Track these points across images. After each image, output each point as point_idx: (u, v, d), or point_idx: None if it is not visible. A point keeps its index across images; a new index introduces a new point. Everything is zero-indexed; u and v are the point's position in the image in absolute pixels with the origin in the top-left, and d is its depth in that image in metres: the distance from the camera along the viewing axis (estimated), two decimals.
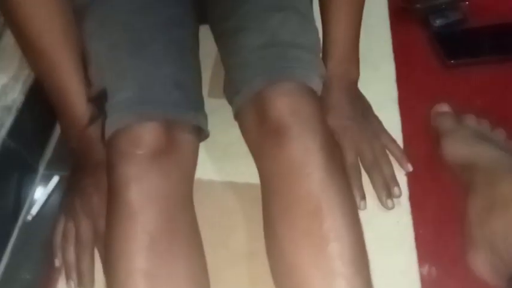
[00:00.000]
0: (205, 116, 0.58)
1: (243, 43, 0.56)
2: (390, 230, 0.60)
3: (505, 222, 0.49)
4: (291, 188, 0.49)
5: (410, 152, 0.66)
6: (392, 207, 0.61)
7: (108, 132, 0.52)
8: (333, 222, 0.47)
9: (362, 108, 0.67)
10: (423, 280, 0.56)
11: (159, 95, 0.53)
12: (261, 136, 0.53)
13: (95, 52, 0.55)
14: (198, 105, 0.57)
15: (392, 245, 0.59)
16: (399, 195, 0.61)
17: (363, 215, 0.59)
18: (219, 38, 0.62)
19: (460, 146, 0.62)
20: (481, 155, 0.59)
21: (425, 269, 0.57)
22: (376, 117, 0.68)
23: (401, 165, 0.64)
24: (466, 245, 0.56)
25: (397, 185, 0.62)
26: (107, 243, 0.49)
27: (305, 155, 0.50)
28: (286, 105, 0.51)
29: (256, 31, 0.55)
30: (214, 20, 0.62)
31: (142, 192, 0.49)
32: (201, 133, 0.57)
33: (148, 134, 0.51)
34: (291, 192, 0.49)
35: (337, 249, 0.46)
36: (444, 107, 0.69)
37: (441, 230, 0.59)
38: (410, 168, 0.64)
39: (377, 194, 0.62)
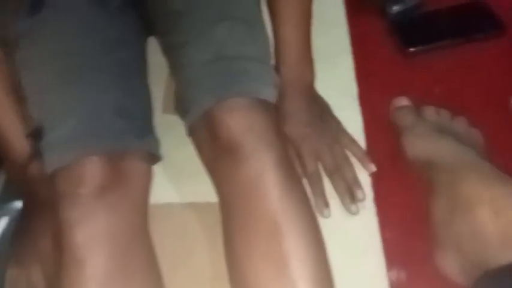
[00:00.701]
0: (155, 140, 0.55)
1: (188, 58, 0.53)
2: (356, 235, 0.59)
3: (469, 224, 0.48)
4: (248, 209, 0.48)
5: (373, 151, 0.64)
6: (357, 212, 0.60)
7: (48, 172, 0.49)
8: (292, 242, 0.46)
9: (320, 111, 0.65)
10: (392, 285, 0.55)
11: (100, 127, 0.50)
12: (215, 156, 0.51)
13: (29, 84, 0.52)
14: (146, 131, 0.55)
15: (359, 250, 0.58)
16: (363, 199, 0.60)
17: (327, 221, 0.59)
18: (165, 52, 0.59)
19: (421, 143, 0.61)
20: (442, 152, 0.58)
21: (394, 273, 0.56)
22: (334, 119, 0.66)
23: (363, 166, 0.63)
24: (433, 247, 0.55)
25: (360, 188, 0.61)
26: None
27: (260, 173, 0.48)
28: (237, 123, 0.49)
29: (201, 45, 0.53)
30: (159, 33, 0.59)
31: (88, 235, 0.46)
32: (152, 158, 0.54)
33: (90, 171, 0.48)
34: (248, 213, 0.48)
35: (298, 270, 0.45)
36: (403, 101, 0.67)
37: (408, 232, 0.58)
38: (373, 168, 0.63)
39: (340, 199, 0.60)
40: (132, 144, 0.51)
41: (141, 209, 0.52)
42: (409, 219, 0.59)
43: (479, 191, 0.48)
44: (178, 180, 0.63)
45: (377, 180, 0.62)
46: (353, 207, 0.60)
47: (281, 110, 0.62)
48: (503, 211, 0.45)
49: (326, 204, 0.60)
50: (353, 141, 0.64)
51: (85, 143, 0.49)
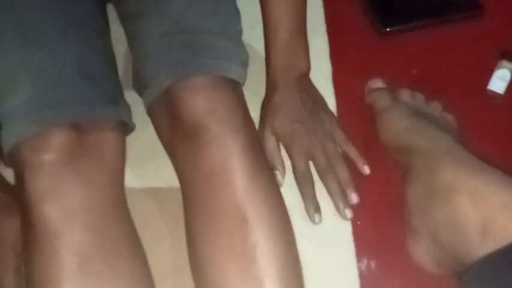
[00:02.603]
0: (126, 107, 0.50)
1: (144, 30, 0.48)
2: (327, 224, 0.56)
3: (448, 212, 0.46)
4: (211, 198, 0.44)
5: (345, 134, 0.61)
6: (351, 218, 0.55)
7: (7, 147, 0.44)
8: (258, 236, 0.43)
9: (312, 104, 0.59)
10: (362, 275, 0.53)
11: (62, 93, 0.45)
12: (176, 139, 0.47)
13: None
14: (116, 96, 0.49)
15: (329, 240, 0.55)
16: (356, 203, 0.55)
17: (296, 209, 0.55)
18: (122, 22, 0.54)
19: (396, 127, 0.58)
20: (418, 136, 0.56)
21: (364, 263, 0.53)
22: (328, 113, 0.60)
23: (358, 167, 0.58)
24: (407, 235, 0.53)
25: (354, 191, 0.55)
26: (28, 276, 0.42)
27: (225, 159, 0.44)
28: (200, 103, 0.45)
29: (158, 15, 0.48)
30: (115, 1, 0.54)
31: (61, 208, 0.42)
32: (125, 126, 0.49)
33: (56, 137, 0.43)
34: (211, 203, 0.44)
35: (264, 266, 0.42)
36: (378, 83, 0.64)
37: (380, 220, 0.56)
38: (367, 171, 0.58)
39: (333, 202, 0.55)
40: (101, 111, 0.46)
41: (118, 181, 0.47)
42: (381, 208, 0.57)
43: (458, 178, 0.46)
44: (139, 164, 0.58)
45: (349, 164, 0.59)
46: (348, 212, 0.54)
47: (269, 102, 0.57)
48: (484, 200, 0.43)
49: (317, 209, 0.54)
50: (346, 140, 0.59)
51: (47, 112, 0.44)
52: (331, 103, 0.64)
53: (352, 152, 0.58)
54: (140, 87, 0.50)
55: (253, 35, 0.60)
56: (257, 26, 0.59)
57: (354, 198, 0.55)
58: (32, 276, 0.42)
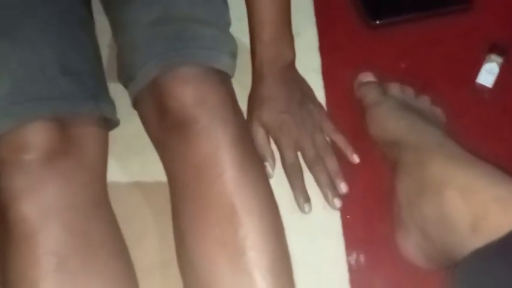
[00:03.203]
0: (110, 102, 0.49)
1: (131, 19, 0.47)
2: (316, 217, 0.55)
3: (437, 206, 0.46)
4: (199, 191, 0.43)
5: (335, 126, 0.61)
6: (340, 207, 0.55)
7: None
8: (249, 229, 0.42)
9: (299, 95, 0.58)
10: (351, 269, 0.52)
11: (41, 87, 0.44)
12: (163, 131, 0.46)
13: None
14: (98, 91, 0.48)
15: (319, 233, 0.55)
16: (346, 192, 0.55)
17: (285, 202, 0.55)
18: (106, 11, 0.52)
19: (386, 120, 0.58)
20: (408, 130, 0.55)
21: (353, 257, 0.53)
22: (316, 104, 0.60)
23: (347, 156, 0.58)
24: (396, 229, 0.53)
25: (343, 180, 0.55)
26: (4, 275, 0.41)
27: (214, 152, 0.43)
28: (188, 94, 0.44)
29: (146, 4, 0.46)
30: None
31: (38, 207, 0.41)
32: (107, 121, 0.48)
33: (35, 135, 0.42)
34: (200, 196, 0.43)
35: (254, 259, 0.41)
36: (368, 76, 0.64)
37: (369, 214, 0.56)
38: (356, 159, 0.57)
39: (322, 192, 0.55)
40: (82, 107, 0.45)
41: (99, 179, 0.46)
42: (371, 201, 0.56)
43: (448, 172, 0.46)
44: (125, 157, 0.57)
45: (338, 157, 0.58)
46: (336, 201, 0.54)
47: (256, 94, 0.56)
48: (474, 194, 0.42)
49: (306, 199, 0.54)
50: (334, 130, 0.58)
51: (25, 106, 0.42)
52: (321, 96, 0.63)
53: (341, 141, 0.58)
54: (126, 78, 0.48)
55: (240, 26, 0.59)
56: (244, 18, 0.58)
57: (343, 187, 0.55)
58: (8, 275, 0.41)
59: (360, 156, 0.59)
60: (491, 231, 0.39)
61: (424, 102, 0.62)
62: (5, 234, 0.41)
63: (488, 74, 0.65)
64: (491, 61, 0.66)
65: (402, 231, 0.52)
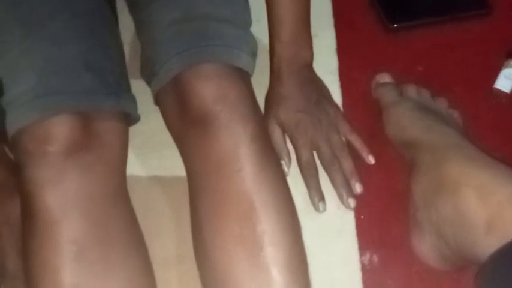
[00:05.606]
0: (131, 98, 0.50)
1: (154, 17, 0.48)
2: (330, 217, 0.56)
3: (453, 206, 0.46)
4: (219, 186, 0.44)
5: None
6: (354, 207, 0.55)
7: (10, 133, 0.44)
8: (267, 225, 0.42)
9: (316, 95, 0.59)
10: (364, 269, 0.53)
11: (65, 82, 0.45)
12: (184, 127, 0.47)
13: None
14: (120, 87, 0.49)
15: (332, 233, 0.55)
16: (360, 192, 0.56)
17: (301, 201, 0.55)
18: (130, 10, 0.53)
19: (403, 121, 0.58)
20: (425, 131, 0.56)
21: (366, 257, 0.53)
22: (332, 104, 0.60)
23: (363, 157, 0.58)
24: (410, 229, 0.53)
25: (358, 181, 0.56)
26: (26, 263, 0.42)
27: (235, 147, 0.44)
28: (209, 91, 0.45)
29: (169, 2, 0.47)
30: None
31: (61, 196, 0.42)
32: (128, 117, 0.49)
33: (59, 128, 0.43)
34: (220, 191, 0.44)
35: (272, 255, 0.42)
36: (385, 77, 0.64)
37: (383, 214, 0.56)
38: (372, 160, 0.58)
39: (337, 192, 0.55)
40: (104, 102, 0.46)
41: (119, 172, 0.47)
42: (386, 201, 0.57)
43: (465, 172, 0.46)
44: (144, 152, 0.58)
45: (354, 158, 0.59)
46: (351, 201, 0.54)
47: (274, 93, 0.57)
48: (490, 194, 0.43)
49: (321, 198, 0.55)
50: (350, 131, 0.59)
51: (49, 100, 0.44)
52: (337, 97, 0.64)
53: (357, 142, 0.59)
54: (148, 75, 0.49)
55: (259, 27, 0.60)
56: (262, 19, 0.59)
57: (358, 187, 0.56)
58: (29, 262, 0.42)
59: (375, 157, 0.59)
60: (507, 230, 0.39)
61: (441, 104, 0.62)
62: (28, 223, 0.42)
63: (506, 79, 0.65)
64: (510, 66, 0.66)
65: (417, 232, 0.52)
